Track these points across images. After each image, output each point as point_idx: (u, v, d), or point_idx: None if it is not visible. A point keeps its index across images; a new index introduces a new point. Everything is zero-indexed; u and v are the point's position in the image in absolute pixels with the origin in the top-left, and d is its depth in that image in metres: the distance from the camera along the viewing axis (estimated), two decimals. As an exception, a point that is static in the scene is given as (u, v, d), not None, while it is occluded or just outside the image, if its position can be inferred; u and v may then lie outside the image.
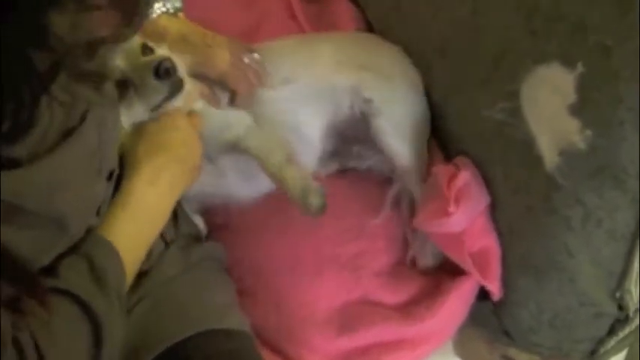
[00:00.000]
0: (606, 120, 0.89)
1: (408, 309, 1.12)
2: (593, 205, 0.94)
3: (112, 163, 0.86)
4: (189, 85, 0.99)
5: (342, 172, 1.26)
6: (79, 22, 0.61)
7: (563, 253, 0.99)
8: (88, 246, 0.80)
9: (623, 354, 1.08)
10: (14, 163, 0.67)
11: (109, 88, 0.84)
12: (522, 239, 1.05)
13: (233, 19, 1.40)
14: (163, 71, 0.90)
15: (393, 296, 1.14)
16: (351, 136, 1.21)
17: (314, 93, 1.17)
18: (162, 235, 0.97)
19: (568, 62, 0.92)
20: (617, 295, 0.99)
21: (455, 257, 1.11)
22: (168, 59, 0.91)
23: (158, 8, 1.04)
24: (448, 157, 1.18)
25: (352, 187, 1.24)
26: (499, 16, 1.05)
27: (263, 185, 1.14)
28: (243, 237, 1.18)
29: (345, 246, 1.17)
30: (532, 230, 1.02)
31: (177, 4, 1.08)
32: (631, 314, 1.01)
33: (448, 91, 1.18)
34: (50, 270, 0.77)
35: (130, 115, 0.93)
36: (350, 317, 1.11)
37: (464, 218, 1.05)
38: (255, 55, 1.15)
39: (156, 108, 0.94)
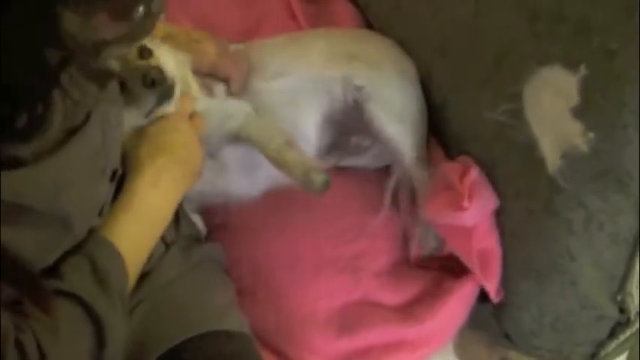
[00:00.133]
0: (609, 123, 0.89)
1: (408, 310, 1.12)
2: (596, 209, 0.93)
3: (115, 162, 0.86)
4: (194, 86, 0.99)
5: (340, 171, 1.26)
6: (93, 22, 0.61)
7: (564, 256, 0.99)
8: (90, 247, 0.80)
9: (623, 357, 1.08)
10: (19, 163, 0.67)
11: (112, 87, 0.84)
12: (524, 242, 1.05)
13: (232, 19, 1.41)
14: (149, 82, 0.90)
15: (393, 297, 1.13)
16: (348, 127, 1.21)
17: (306, 86, 1.17)
18: (162, 237, 0.97)
19: (571, 64, 0.92)
20: (619, 298, 0.99)
21: (460, 252, 1.10)
22: (156, 69, 0.91)
23: (142, 9, 1.04)
24: (450, 158, 1.17)
25: (351, 186, 1.24)
26: (501, 17, 1.05)
27: (263, 181, 1.14)
28: (242, 236, 1.18)
29: (344, 246, 1.17)
30: (533, 233, 1.02)
31: (161, 7, 1.08)
32: (632, 317, 1.01)
33: (449, 92, 1.17)
34: (53, 271, 0.77)
35: (127, 118, 0.92)
36: (350, 318, 1.11)
37: (477, 214, 1.05)
38: (239, 46, 1.17)
39: (148, 114, 0.94)
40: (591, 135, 0.89)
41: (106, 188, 0.84)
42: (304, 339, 1.09)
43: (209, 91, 1.09)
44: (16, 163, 0.66)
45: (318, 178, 1.03)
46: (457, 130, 1.16)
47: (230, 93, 1.12)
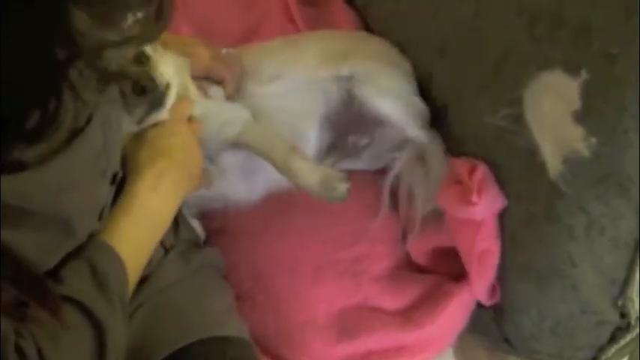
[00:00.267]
0: (611, 127, 0.88)
1: (407, 315, 1.12)
2: (597, 213, 0.93)
3: (116, 165, 0.86)
4: (192, 89, 0.99)
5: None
6: (108, 21, 0.62)
7: (565, 261, 0.99)
8: (90, 251, 0.80)
9: (623, 361, 1.08)
10: (21, 166, 0.66)
11: (112, 88, 0.83)
12: (524, 247, 1.04)
13: (232, 22, 1.41)
14: (140, 90, 0.89)
15: (392, 302, 1.13)
16: (345, 127, 1.20)
17: (302, 88, 1.17)
18: (161, 242, 0.96)
19: (572, 69, 0.91)
20: (619, 303, 0.99)
21: (462, 245, 1.10)
22: (146, 75, 0.90)
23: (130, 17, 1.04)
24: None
25: (352, 190, 1.23)
26: (501, 20, 1.04)
27: (262, 185, 1.14)
28: (241, 240, 1.18)
29: (344, 250, 1.16)
30: (534, 238, 1.02)
31: (168, 15, 1.08)
32: (632, 322, 1.01)
33: (449, 96, 1.17)
34: (52, 275, 0.77)
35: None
36: (349, 323, 1.10)
37: (485, 209, 1.05)
38: (231, 50, 1.17)
39: (139, 121, 0.93)
40: (593, 140, 0.89)
41: (107, 191, 0.84)
42: (304, 344, 1.09)
43: (204, 94, 1.09)
44: (18, 166, 0.66)
45: (341, 187, 1.02)
46: (457, 134, 1.15)
47: (226, 95, 1.12)
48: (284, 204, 1.17)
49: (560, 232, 0.97)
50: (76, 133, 0.72)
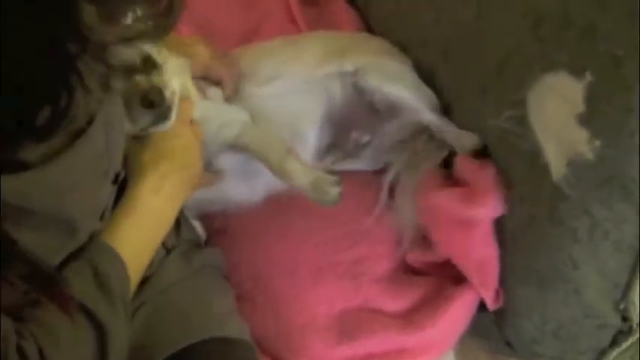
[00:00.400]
0: (615, 130, 0.87)
1: (408, 317, 1.11)
2: (601, 217, 0.92)
3: (118, 165, 0.85)
4: (193, 91, 0.99)
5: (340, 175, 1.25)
6: (113, 16, 0.62)
7: (568, 264, 0.98)
8: (92, 253, 0.80)
9: (625, 365, 1.07)
10: (23, 166, 0.66)
11: (115, 88, 0.83)
12: (526, 249, 1.04)
13: (233, 22, 1.41)
14: (148, 103, 0.89)
15: (393, 303, 1.13)
16: (348, 123, 1.20)
17: (302, 87, 1.16)
18: (163, 242, 0.96)
19: (576, 71, 0.91)
20: (622, 306, 0.99)
21: (458, 258, 1.10)
22: (156, 89, 0.90)
23: (130, 15, 1.04)
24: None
25: (350, 191, 1.22)
26: (504, 21, 1.04)
27: (261, 187, 1.13)
28: (241, 241, 1.18)
29: (344, 252, 1.16)
30: (537, 241, 1.01)
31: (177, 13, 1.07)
32: (634, 326, 1.00)
33: (452, 97, 1.16)
34: None
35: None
36: (350, 325, 1.10)
37: (491, 210, 1.05)
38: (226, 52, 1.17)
39: (141, 130, 0.93)
40: (597, 142, 0.88)
41: (108, 191, 0.84)
42: (304, 346, 1.08)
43: (203, 95, 1.08)
44: (20, 166, 0.66)
45: (333, 190, 1.01)
46: (460, 134, 1.15)
47: (224, 96, 1.12)
48: (284, 205, 1.16)
49: (563, 234, 0.97)
50: (78, 133, 0.72)
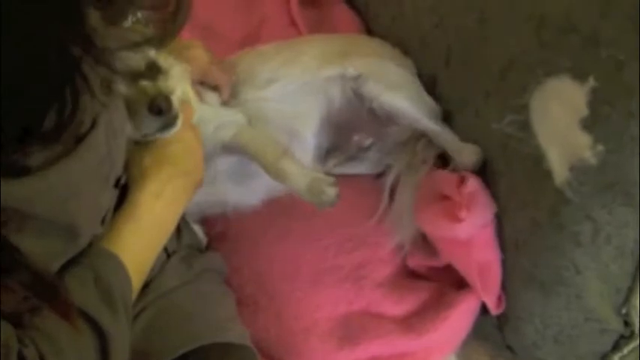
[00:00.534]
0: (618, 135, 0.87)
1: (410, 322, 1.11)
2: (603, 221, 0.92)
3: (119, 169, 0.85)
4: (192, 95, 0.99)
5: (340, 179, 1.24)
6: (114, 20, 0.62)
7: (570, 268, 0.98)
8: (93, 259, 0.79)
9: (626, 370, 1.07)
10: (25, 171, 0.66)
11: (117, 94, 0.82)
12: (528, 254, 1.04)
13: (233, 25, 1.41)
14: (156, 110, 0.88)
15: (395, 308, 1.13)
16: (349, 126, 1.20)
17: (302, 90, 1.16)
18: (164, 247, 0.95)
19: (579, 76, 0.90)
20: (623, 311, 0.98)
21: (459, 265, 1.10)
22: (164, 96, 0.89)
23: (130, 18, 1.03)
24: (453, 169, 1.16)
25: (351, 194, 1.22)
26: (507, 26, 1.03)
27: (260, 189, 1.13)
28: (243, 245, 1.18)
29: (346, 255, 1.16)
30: (539, 245, 1.01)
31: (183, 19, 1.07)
32: (636, 330, 1.00)
33: (453, 102, 1.16)
34: None
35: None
36: (352, 329, 1.10)
37: (473, 225, 1.04)
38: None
39: (145, 136, 0.92)
40: (600, 147, 0.88)
41: (110, 195, 0.84)
42: (305, 350, 1.08)
43: (200, 99, 1.08)
44: (22, 171, 0.65)
45: (330, 191, 1.00)
46: (462, 141, 1.15)
47: (220, 101, 1.12)
48: (285, 208, 1.16)
49: (565, 239, 0.97)
50: (80, 138, 0.71)
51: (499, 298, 1.09)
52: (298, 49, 1.22)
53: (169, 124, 0.91)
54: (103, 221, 0.83)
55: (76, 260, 0.78)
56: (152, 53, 0.91)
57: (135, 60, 0.85)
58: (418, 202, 1.16)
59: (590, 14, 0.90)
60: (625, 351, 1.03)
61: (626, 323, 1.00)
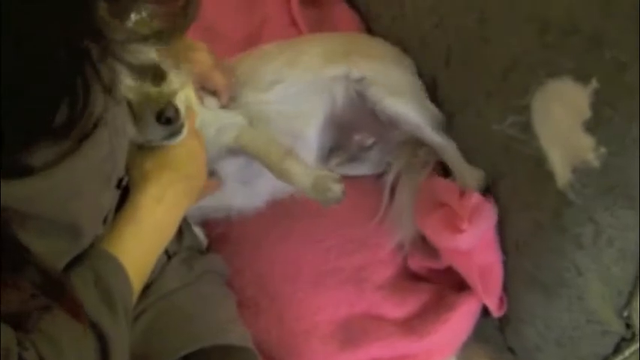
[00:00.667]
0: (621, 138, 0.87)
1: (411, 324, 1.11)
2: (606, 224, 0.92)
3: (121, 169, 0.85)
4: (194, 100, 0.99)
5: (343, 181, 1.24)
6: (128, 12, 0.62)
7: (571, 270, 0.98)
8: (94, 262, 0.79)
9: (628, 372, 1.07)
10: (27, 171, 0.65)
11: (119, 92, 0.82)
12: (530, 256, 1.04)
13: (234, 25, 1.40)
14: (165, 120, 0.88)
15: (396, 310, 1.13)
16: (351, 125, 1.20)
17: (306, 89, 1.16)
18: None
19: (582, 77, 0.90)
20: (625, 313, 0.98)
21: (460, 269, 1.10)
22: (173, 106, 0.89)
23: (133, 16, 1.03)
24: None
25: (352, 196, 1.21)
26: (509, 26, 1.03)
27: (263, 192, 1.13)
28: (244, 247, 1.18)
29: (347, 257, 1.16)
30: (540, 247, 1.01)
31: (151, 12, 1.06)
32: (638, 333, 1.00)
33: (454, 104, 1.16)
34: None
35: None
36: (353, 331, 1.10)
37: (474, 236, 1.04)
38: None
39: (151, 142, 0.92)
40: (603, 150, 0.88)
41: (112, 196, 0.83)
42: (306, 352, 1.08)
43: (201, 103, 1.07)
44: (25, 171, 0.65)
45: (335, 187, 1.00)
46: (463, 142, 1.15)
47: (219, 106, 1.11)
48: (286, 210, 1.16)
49: (567, 241, 0.96)
50: (83, 137, 0.71)
51: (501, 300, 1.09)
52: (300, 48, 1.21)
53: (176, 132, 0.91)
54: (105, 221, 0.83)
55: (77, 262, 0.78)
56: (155, 56, 0.91)
57: (144, 54, 0.84)
58: (419, 208, 1.15)
59: (592, 15, 0.89)
60: (626, 353, 1.03)
61: (628, 325, 1.00)
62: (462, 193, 1.08)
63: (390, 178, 1.22)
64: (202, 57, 1.08)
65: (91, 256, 0.79)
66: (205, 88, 1.09)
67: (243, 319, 1.05)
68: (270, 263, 1.15)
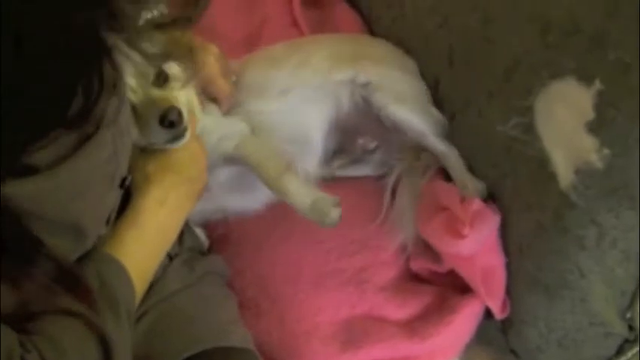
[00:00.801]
0: (624, 139, 0.87)
1: (413, 326, 1.10)
2: (609, 225, 0.91)
3: (124, 169, 0.85)
4: (197, 105, 0.99)
5: (343, 182, 1.24)
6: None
7: (574, 272, 0.98)
8: (97, 265, 0.79)
9: (630, 374, 1.07)
10: (31, 170, 0.66)
11: (123, 90, 0.82)
12: (532, 257, 1.03)
13: (234, 25, 1.40)
14: (168, 123, 0.88)
15: (398, 311, 1.12)
16: (355, 129, 1.20)
17: (312, 94, 1.15)
18: (165, 250, 0.96)
19: (585, 78, 0.90)
20: (628, 315, 0.98)
21: (463, 272, 1.09)
22: (176, 110, 0.89)
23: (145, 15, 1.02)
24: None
25: (354, 197, 1.22)
26: (512, 27, 1.03)
27: (263, 196, 1.12)
28: (245, 248, 1.17)
29: (348, 258, 1.15)
30: (543, 249, 1.00)
31: (164, 11, 1.05)
32: (640, 334, 1.00)
33: (456, 104, 1.15)
34: None
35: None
36: (354, 333, 1.09)
37: (476, 241, 1.04)
38: (232, 66, 1.14)
39: (153, 145, 0.92)
40: (606, 151, 0.88)
41: (115, 195, 0.84)
42: (308, 353, 1.08)
43: (203, 108, 1.06)
44: (29, 171, 0.65)
45: (333, 212, 1.00)
46: (465, 143, 1.14)
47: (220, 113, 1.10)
48: (287, 211, 1.14)
49: (570, 242, 0.96)
50: (86, 137, 0.71)
51: (503, 303, 1.09)
52: (308, 49, 1.21)
53: (179, 135, 0.91)
54: (107, 222, 0.83)
55: (80, 264, 0.78)
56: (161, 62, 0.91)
57: (159, 41, 0.84)
58: (421, 212, 1.15)
59: (594, 15, 0.89)
60: (629, 355, 1.03)
61: (631, 327, 0.99)
62: (463, 198, 1.08)
63: (391, 180, 1.22)
64: (210, 61, 1.07)
65: (93, 258, 0.79)
66: (206, 93, 1.08)
67: (244, 320, 1.04)
68: (271, 264, 1.14)
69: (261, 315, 1.10)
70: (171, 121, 0.88)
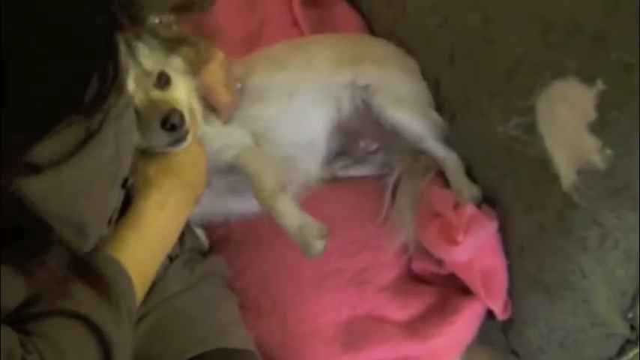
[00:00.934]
0: (626, 139, 0.86)
1: (414, 326, 1.10)
2: (611, 226, 0.91)
3: (127, 169, 0.84)
4: (198, 110, 0.99)
5: (344, 182, 1.24)
6: None
7: (576, 272, 0.97)
8: (98, 266, 0.78)
9: (631, 374, 1.06)
10: (34, 169, 0.66)
11: (126, 88, 0.82)
12: (533, 258, 1.03)
13: (234, 25, 1.39)
14: (170, 126, 0.88)
15: (399, 312, 1.12)
16: (356, 131, 1.20)
17: (315, 96, 1.15)
18: (165, 251, 0.95)
19: (587, 78, 0.90)
20: (630, 315, 0.98)
21: (463, 276, 1.09)
22: (178, 112, 0.88)
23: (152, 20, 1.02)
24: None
25: (354, 198, 1.22)
26: (513, 27, 1.02)
27: None
28: (245, 248, 1.17)
29: (349, 259, 1.15)
30: (545, 249, 1.00)
31: (172, 18, 1.04)
32: (641, 334, 1.00)
33: (457, 105, 1.15)
34: None
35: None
36: (355, 334, 1.09)
37: (472, 247, 1.04)
38: (236, 71, 1.13)
39: (155, 148, 0.91)
40: (609, 152, 0.87)
41: (117, 195, 0.83)
42: (309, 354, 1.07)
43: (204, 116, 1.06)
44: (32, 169, 0.65)
45: (318, 244, 0.99)
46: (466, 143, 1.14)
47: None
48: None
49: (572, 243, 0.96)
50: (89, 136, 0.71)
51: (505, 304, 1.08)
52: (309, 50, 1.20)
53: (180, 139, 0.90)
54: (109, 222, 0.83)
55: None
56: (162, 64, 0.90)
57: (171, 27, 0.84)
58: (419, 219, 1.15)
59: (594, 15, 0.89)
60: (630, 355, 1.03)
61: (632, 327, 0.99)
62: (457, 204, 1.08)
63: (391, 180, 1.22)
64: (214, 68, 1.06)
65: (94, 259, 0.79)
66: (206, 101, 1.06)
67: (245, 321, 1.04)
68: (271, 265, 1.14)
69: (262, 316, 1.10)
70: (172, 124, 0.87)
